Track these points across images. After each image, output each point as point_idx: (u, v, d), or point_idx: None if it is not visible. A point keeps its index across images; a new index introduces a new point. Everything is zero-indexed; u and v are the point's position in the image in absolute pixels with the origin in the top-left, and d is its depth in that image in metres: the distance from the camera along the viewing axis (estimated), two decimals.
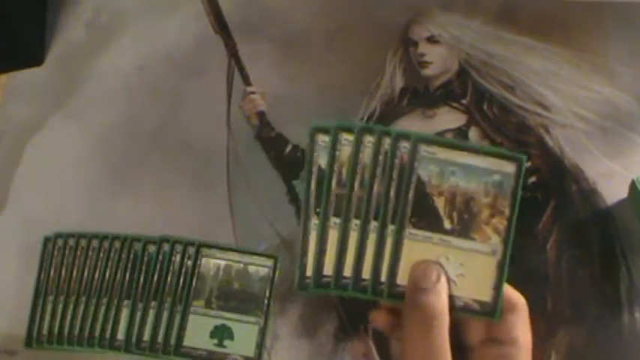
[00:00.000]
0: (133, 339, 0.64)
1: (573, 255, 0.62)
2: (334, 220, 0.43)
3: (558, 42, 0.70)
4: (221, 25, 0.78)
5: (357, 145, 0.43)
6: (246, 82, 0.75)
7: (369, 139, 0.43)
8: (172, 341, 0.63)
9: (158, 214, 0.70)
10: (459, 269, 0.43)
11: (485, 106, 0.69)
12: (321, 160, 0.44)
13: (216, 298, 0.64)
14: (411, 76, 0.72)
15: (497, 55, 0.71)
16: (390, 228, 0.43)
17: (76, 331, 0.65)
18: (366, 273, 0.43)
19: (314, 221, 0.44)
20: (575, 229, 0.63)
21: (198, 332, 0.63)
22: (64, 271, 0.68)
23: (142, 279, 0.66)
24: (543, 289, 0.61)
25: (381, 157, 0.43)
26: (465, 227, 0.43)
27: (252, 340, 0.63)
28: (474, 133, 0.68)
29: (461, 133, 0.68)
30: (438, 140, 0.43)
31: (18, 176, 0.75)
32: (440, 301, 0.41)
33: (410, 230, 0.43)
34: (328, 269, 0.43)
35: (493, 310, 0.43)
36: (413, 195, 0.43)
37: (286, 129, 0.72)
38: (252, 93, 0.74)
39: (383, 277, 0.43)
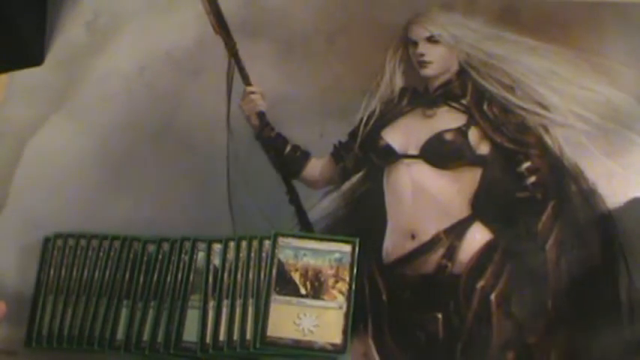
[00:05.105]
0: (133, 339, 0.64)
1: (573, 255, 0.62)
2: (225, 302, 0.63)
3: (558, 42, 0.70)
4: (221, 25, 0.77)
5: (237, 248, 0.64)
6: (246, 82, 0.75)
7: (244, 244, 0.64)
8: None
9: (158, 214, 0.70)
10: (314, 322, 0.60)
11: (485, 106, 0.69)
12: (217, 260, 0.65)
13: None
14: (411, 76, 0.72)
15: (497, 55, 0.71)
16: (264, 297, 0.62)
17: (76, 331, 0.65)
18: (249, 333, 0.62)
19: (211, 302, 0.63)
20: (575, 229, 0.63)
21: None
22: (64, 271, 0.68)
23: (141, 279, 0.66)
24: (543, 289, 0.61)
25: (252, 254, 0.64)
26: (317, 292, 0.61)
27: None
28: (473, 133, 0.68)
29: (461, 132, 0.68)
30: (291, 233, 0.64)
31: (18, 176, 0.75)
32: None
33: (275, 297, 0.61)
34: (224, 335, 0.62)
35: (343, 349, 0.59)
36: (275, 272, 0.62)
37: (286, 129, 0.72)
38: (252, 93, 0.74)
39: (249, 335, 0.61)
